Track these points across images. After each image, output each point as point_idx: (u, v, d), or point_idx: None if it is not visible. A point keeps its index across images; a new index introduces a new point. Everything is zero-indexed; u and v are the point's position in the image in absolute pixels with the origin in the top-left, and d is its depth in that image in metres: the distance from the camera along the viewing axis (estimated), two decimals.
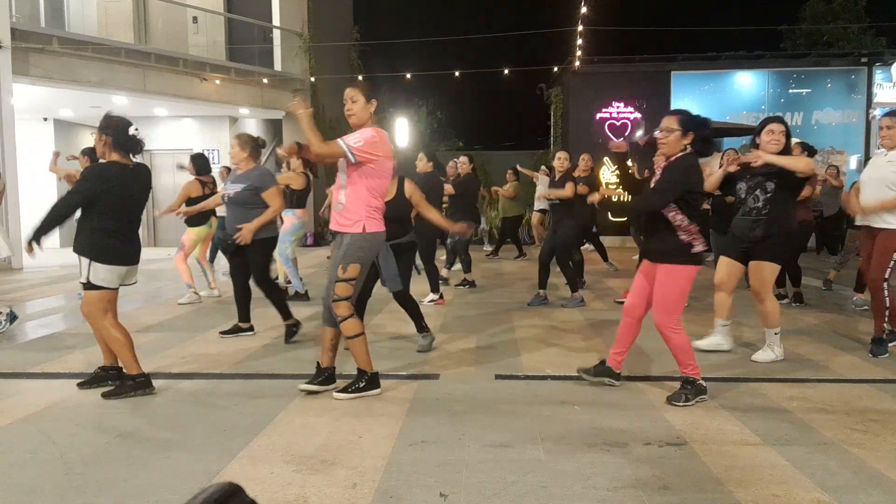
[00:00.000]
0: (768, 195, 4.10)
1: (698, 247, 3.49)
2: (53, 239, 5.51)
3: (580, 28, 14.86)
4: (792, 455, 2.78)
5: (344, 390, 3.60)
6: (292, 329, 4.99)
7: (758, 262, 4.23)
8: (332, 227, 3.63)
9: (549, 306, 6.48)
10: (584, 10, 14.39)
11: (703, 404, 3.47)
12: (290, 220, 6.68)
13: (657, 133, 3.52)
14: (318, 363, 3.72)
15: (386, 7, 26.22)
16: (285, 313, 4.98)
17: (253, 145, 4.96)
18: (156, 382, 3.91)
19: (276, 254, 6.31)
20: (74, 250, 3.64)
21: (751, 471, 2.64)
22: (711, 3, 32.32)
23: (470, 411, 3.38)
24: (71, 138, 14.62)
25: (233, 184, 4.94)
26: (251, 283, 5.04)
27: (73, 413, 3.38)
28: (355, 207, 3.49)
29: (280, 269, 6.86)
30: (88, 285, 3.60)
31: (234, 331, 5.16)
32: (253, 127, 16.26)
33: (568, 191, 6.34)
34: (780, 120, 4.13)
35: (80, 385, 3.80)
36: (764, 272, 4.23)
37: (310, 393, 3.63)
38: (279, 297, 5.08)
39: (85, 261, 3.59)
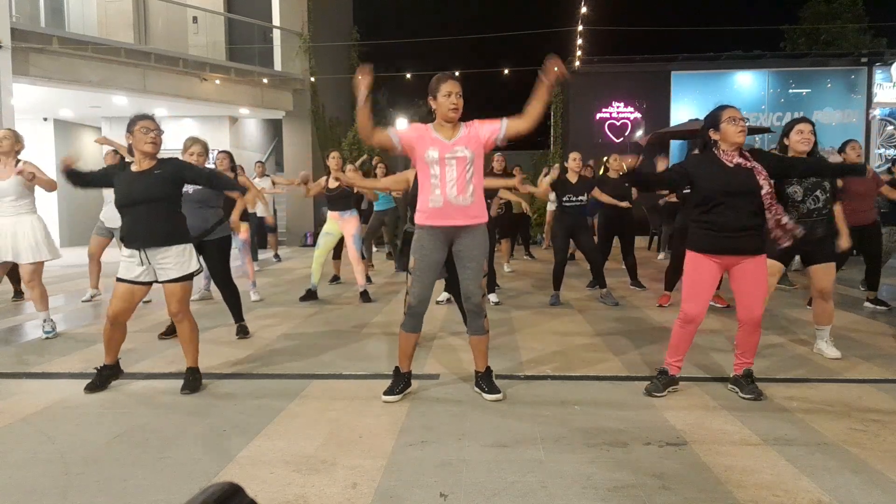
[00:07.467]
0: (827, 195, 4.16)
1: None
2: (54, 239, 5.46)
3: (580, 28, 14.87)
4: (792, 455, 2.78)
5: (491, 391, 3.56)
6: (244, 329, 5.20)
7: (826, 264, 4.28)
8: (455, 221, 3.38)
9: (546, 306, 6.48)
10: (584, 10, 14.40)
11: (703, 404, 3.48)
12: (356, 222, 6.88)
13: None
14: (397, 369, 3.63)
15: (386, 7, 26.24)
16: (239, 315, 5.20)
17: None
18: (155, 382, 3.93)
19: (351, 254, 6.78)
20: (167, 242, 3.60)
21: (751, 471, 2.63)
22: (711, 3, 32.38)
23: (470, 411, 3.37)
24: (71, 138, 14.62)
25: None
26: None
27: (73, 413, 3.38)
28: (482, 197, 3.49)
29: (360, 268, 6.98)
30: (186, 276, 3.68)
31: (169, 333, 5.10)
32: (253, 127, 16.26)
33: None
34: (808, 120, 4.18)
35: (87, 388, 3.72)
36: (832, 272, 4.33)
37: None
38: (237, 299, 5.19)
39: (188, 248, 3.68)
